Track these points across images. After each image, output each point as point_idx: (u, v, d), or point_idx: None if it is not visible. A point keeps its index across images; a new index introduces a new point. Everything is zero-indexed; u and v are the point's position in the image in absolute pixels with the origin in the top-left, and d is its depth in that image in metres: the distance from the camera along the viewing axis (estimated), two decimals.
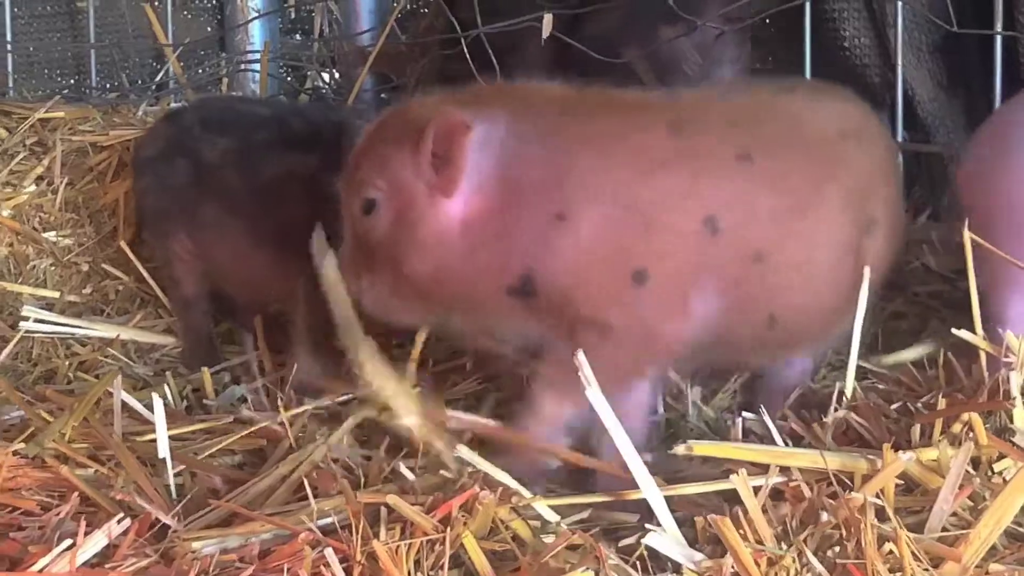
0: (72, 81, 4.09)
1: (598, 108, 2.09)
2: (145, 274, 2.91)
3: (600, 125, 2.05)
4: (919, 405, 1.99)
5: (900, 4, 2.97)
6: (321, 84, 4.08)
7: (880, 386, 2.14)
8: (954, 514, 1.70)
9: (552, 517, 1.77)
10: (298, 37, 4.33)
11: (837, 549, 1.63)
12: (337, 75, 4.08)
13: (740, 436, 2.01)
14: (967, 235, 2.07)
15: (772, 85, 2.27)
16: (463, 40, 2.93)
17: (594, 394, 1.77)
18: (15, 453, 2.01)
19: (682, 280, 2.00)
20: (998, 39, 2.82)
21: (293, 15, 4.29)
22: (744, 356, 2.24)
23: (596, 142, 2.02)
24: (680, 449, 1.76)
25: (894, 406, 2.02)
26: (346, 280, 2.13)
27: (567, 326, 1.99)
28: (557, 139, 2.02)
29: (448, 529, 1.67)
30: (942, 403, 1.90)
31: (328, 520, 1.76)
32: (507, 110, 2.04)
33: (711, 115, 2.11)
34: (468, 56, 2.92)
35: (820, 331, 2.20)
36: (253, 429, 2.14)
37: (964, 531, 1.64)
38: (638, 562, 1.66)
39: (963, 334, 2.01)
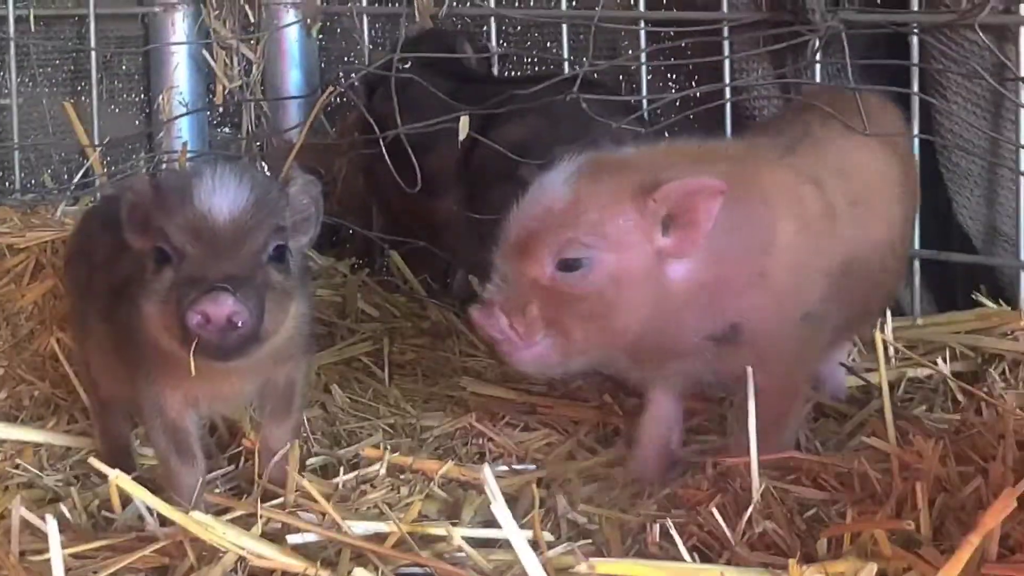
0: None
1: (759, 167, 2.28)
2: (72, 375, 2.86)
3: (766, 185, 2.26)
4: (832, 512, 1.99)
5: None
6: None
7: (794, 490, 2.12)
8: None
9: None
10: (227, 130, 4.32)
11: None
12: (266, 169, 4.06)
13: (657, 539, 2.00)
14: (879, 336, 2.09)
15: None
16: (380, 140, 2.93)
17: None
18: None
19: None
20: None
21: (222, 109, 4.28)
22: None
23: (770, 204, 2.23)
24: (582, 568, 1.74)
25: (808, 513, 2.02)
26: (507, 338, 2.16)
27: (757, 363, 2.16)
28: (751, 200, 2.21)
29: None
30: (852, 513, 1.89)
31: None
32: (711, 170, 2.16)
33: (826, 166, 2.36)
34: (386, 154, 2.93)
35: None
36: (156, 547, 2.09)
37: None
38: None
39: (873, 441, 2.00)
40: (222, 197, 2.09)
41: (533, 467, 2.50)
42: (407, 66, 3.17)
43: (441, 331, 3.14)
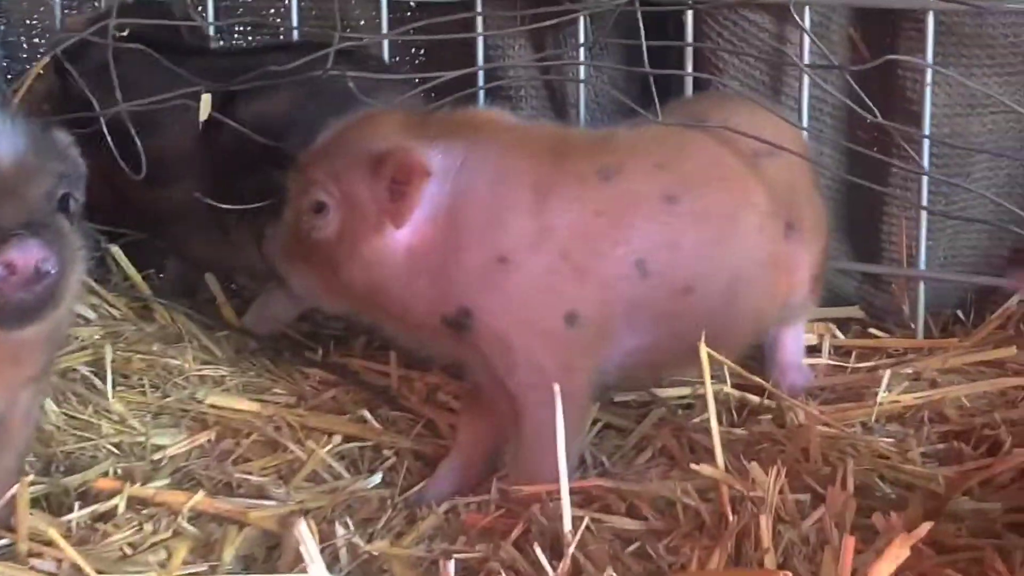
0: None
1: (541, 150, 2.20)
2: None
3: (541, 170, 2.17)
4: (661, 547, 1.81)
5: (582, 86, 2.83)
6: None
7: (608, 520, 1.93)
8: None
9: None
10: None
11: None
12: None
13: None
14: (703, 348, 1.93)
15: (686, 109, 2.40)
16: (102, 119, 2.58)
17: None
18: None
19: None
20: None
21: None
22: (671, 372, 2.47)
23: (537, 188, 2.14)
24: None
25: (630, 548, 1.84)
26: (279, 260, 2.26)
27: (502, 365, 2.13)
28: (503, 182, 2.15)
29: None
30: (694, 552, 1.71)
31: None
32: (465, 143, 2.16)
33: (639, 158, 2.23)
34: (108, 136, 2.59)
35: (747, 339, 2.40)
36: None
37: None
38: None
39: (703, 469, 1.83)
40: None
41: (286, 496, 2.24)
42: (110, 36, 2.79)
43: (171, 335, 2.81)
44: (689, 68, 2.72)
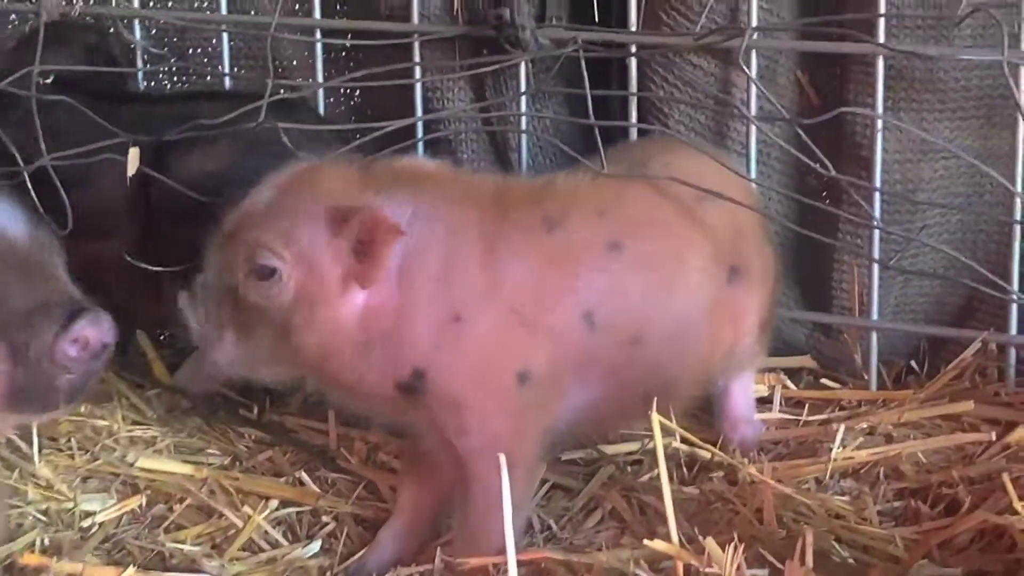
0: None
1: (486, 202, 2.15)
2: None
3: (487, 222, 2.11)
4: None
5: (524, 136, 2.78)
6: None
7: None
8: None
9: None
10: None
11: None
12: None
13: None
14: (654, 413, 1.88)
15: (627, 155, 2.34)
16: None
17: None
18: None
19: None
20: None
21: None
22: (616, 427, 2.44)
23: (485, 241, 2.09)
24: None
25: None
26: (202, 332, 2.13)
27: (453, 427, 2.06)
28: (453, 235, 2.08)
29: None
30: None
31: None
32: (411, 195, 2.08)
33: (581, 206, 2.18)
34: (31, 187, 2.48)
35: (693, 387, 2.32)
36: None
37: None
38: None
39: (657, 544, 1.76)
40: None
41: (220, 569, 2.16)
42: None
43: (99, 395, 2.70)
44: (633, 116, 2.65)
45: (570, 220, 2.16)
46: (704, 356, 2.30)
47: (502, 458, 1.83)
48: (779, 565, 1.82)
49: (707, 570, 1.73)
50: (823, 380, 2.69)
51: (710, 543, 1.74)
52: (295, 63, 3.13)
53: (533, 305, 2.09)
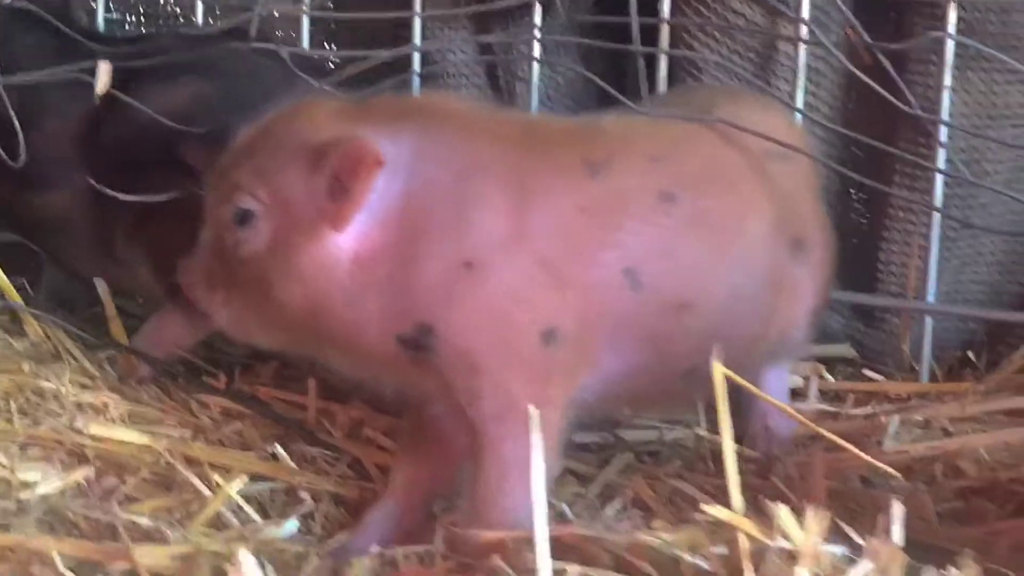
0: None
1: (514, 140, 1.94)
2: None
3: (514, 162, 1.90)
4: None
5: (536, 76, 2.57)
6: None
7: None
8: None
9: None
10: None
11: None
12: None
13: None
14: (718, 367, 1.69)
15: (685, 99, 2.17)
16: None
17: None
18: None
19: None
20: None
21: None
22: (653, 407, 2.26)
23: (511, 182, 1.88)
24: None
25: None
26: (196, 291, 1.94)
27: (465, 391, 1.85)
28: (468, 176, 1.87)
29: None
30: None
31: None
32: (417, 131, 1.88)
33: (631, 150, 1.99)
34: None
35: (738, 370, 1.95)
36: None
37: None
38: None
39: (716, 511, 1.52)
40: None
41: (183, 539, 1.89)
42: None
43: (45, 354, 2.49)
44: (663, 69, 2.45)
45: (617, 164, 1.95)
46: (755, 337, 2.09)
47: (533, 414, 1.64)
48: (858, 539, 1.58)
49: (780, 543, 1.49)
50: (865, 371, 2.47)
51: (782, 510, 1.50)
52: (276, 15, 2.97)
53: (566, 257, 1.88)
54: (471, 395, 1.85)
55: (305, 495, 2.10)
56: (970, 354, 2.48)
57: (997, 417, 2.27)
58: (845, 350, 2.50)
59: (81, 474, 2.13)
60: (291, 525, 1.99)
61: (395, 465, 2.04)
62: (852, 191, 2.46)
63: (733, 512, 1.55)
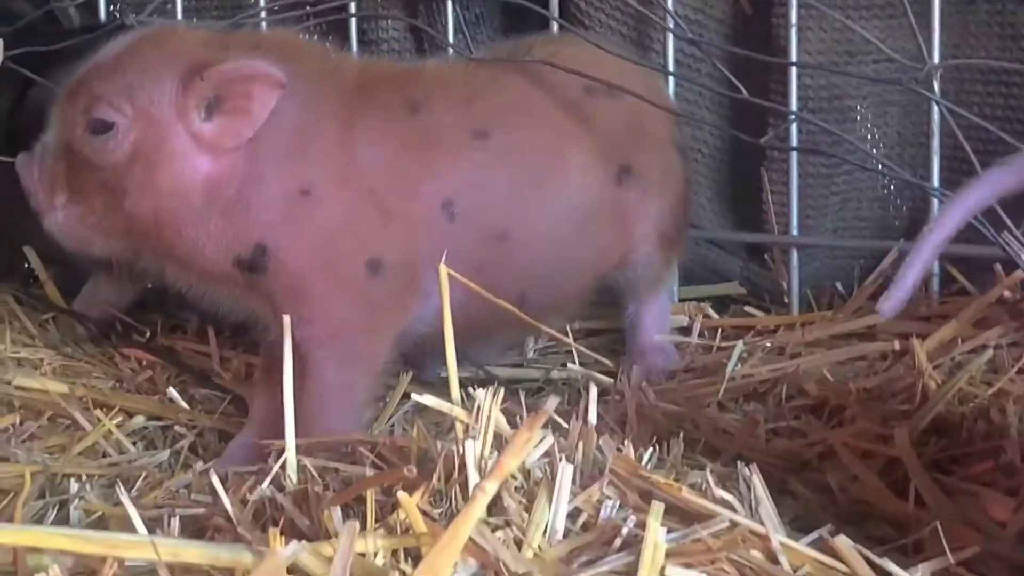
0: None
1: (348, 80, 2.09)
2: None
3: (346, 100, 2.05)
4: None
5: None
6: None
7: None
8: None
9: None
10: None
11: None
12: None
13: None
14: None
15: (511, 46, 2.28)
16: None
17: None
18: None
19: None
20: None
21: None
22: (489, 337, 2.31)
23: (343, 118, 2.03)
24: None
25: None
26: (34, 192, 2.04)
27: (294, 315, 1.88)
28: (310, 110, 2.02)
29: None
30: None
31: None
32: (271, 63, 1.98)
33: (447, 90, 2.13)
34: None
35: (577, 295, 2.27)
36: None
37: None
38: None
39: (426, 399, 1.67)
40: None
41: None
42: None
43: None
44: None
45: (434, 104, 2.10)
46: (589, 262, 2.23)
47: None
48: None
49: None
50: (746, 308, 2.57)
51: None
52: None
53: (390, 190, 2.04)
54: (299, 320, 1.93)
55: (186, 430, 2.26)
56: (838, 285, 2.55)
57: (851, 340, 2.35)
58: (733, 287, 2.60)
59: (9, 420, 2.34)
60: (163, 455, 2.18)
61: (253, 397, 2.19)
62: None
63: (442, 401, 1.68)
